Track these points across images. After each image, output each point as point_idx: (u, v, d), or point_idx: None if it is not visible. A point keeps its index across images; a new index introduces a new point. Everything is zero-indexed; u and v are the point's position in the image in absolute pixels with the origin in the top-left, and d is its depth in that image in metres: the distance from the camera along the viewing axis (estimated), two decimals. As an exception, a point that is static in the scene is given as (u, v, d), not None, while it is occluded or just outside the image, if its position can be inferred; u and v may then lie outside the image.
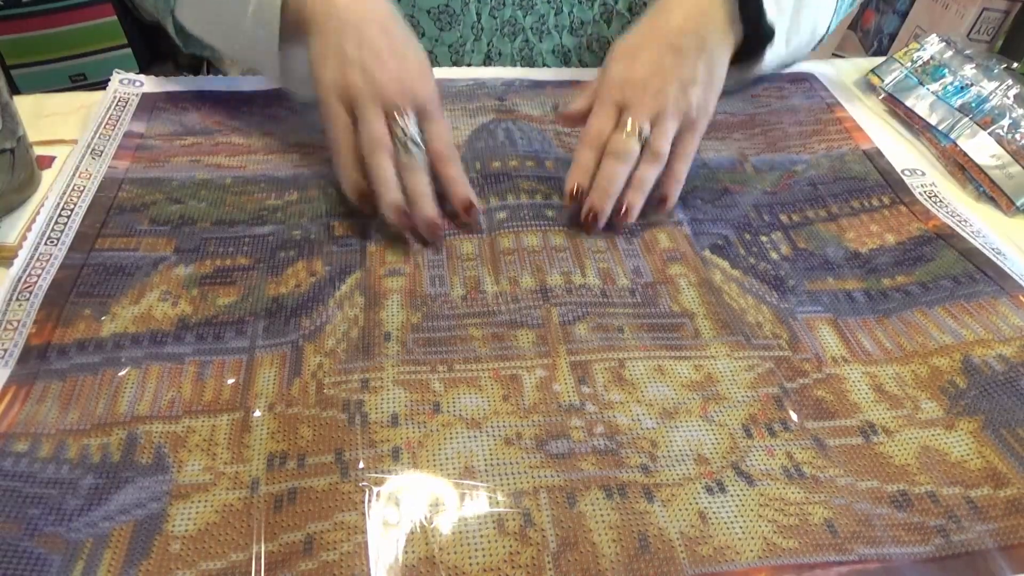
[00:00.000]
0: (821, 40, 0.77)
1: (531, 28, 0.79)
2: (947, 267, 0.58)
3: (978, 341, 0.52)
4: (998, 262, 0.59)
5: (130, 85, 0.72)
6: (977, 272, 0.58)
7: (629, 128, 0.56)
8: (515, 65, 0.80)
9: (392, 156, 0.54)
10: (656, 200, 0.58)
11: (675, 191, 0.58)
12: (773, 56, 0.68)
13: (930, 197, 0.66)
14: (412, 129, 0.54)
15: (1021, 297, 0.55)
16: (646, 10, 0.63)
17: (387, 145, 0.54)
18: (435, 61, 0.80)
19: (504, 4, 0.77)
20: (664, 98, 0.57)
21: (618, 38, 0.62)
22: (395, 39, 0.57)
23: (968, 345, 0.51)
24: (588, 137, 0.58)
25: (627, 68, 0.59)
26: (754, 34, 0.61)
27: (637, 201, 0.57)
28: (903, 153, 0.72)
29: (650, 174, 0.57)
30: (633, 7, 0.79)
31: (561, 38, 0.80)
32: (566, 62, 0.82)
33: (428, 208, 0.55)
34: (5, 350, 0.47)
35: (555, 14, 0.78)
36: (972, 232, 0.62)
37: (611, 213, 0.57)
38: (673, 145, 0.58)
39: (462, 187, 0.56)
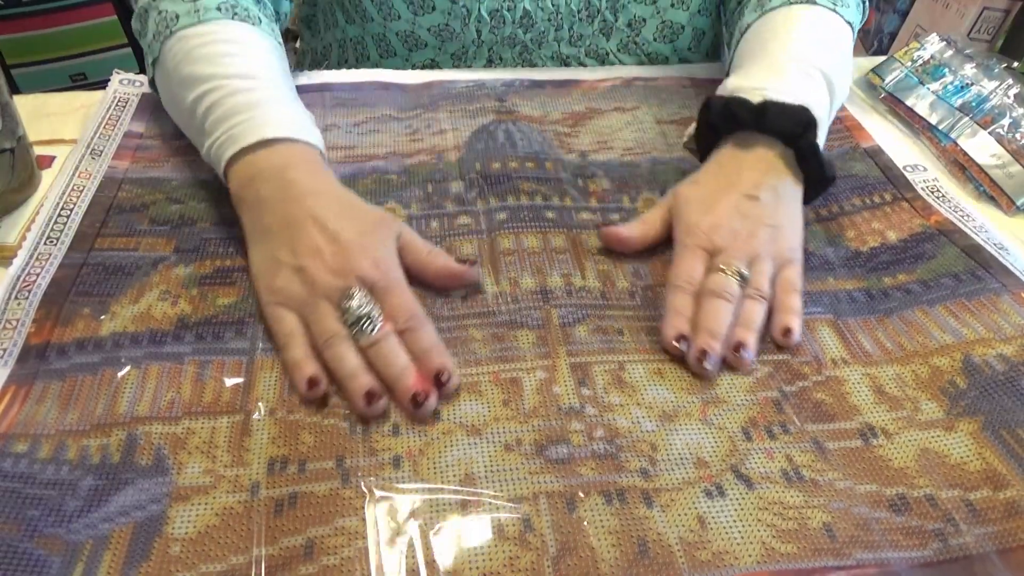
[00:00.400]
0: None
1: (531, 41, 0.79)
2: (949, 264, 0.58)
3: (979, 340, 0.52)
4: (1000, 257, 0.58)
5: (130, 85, 0.72)
6: (979, 268, 0.57)
7: (728, 268, 0.52)
8: (516, 66, 0.80)
9: (352, 342, 0.48)
10: (779, 333, 0.52)
11: (797, 323, 0.52)
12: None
13: (932, 192, 0.66)
14: (363, 308, 0.47)
15: (1023, 294, 0.55)
16: (704, 167, 0.61)
17: (342, 335, 0.47)
18: (438, 67, 0.80)
19: (504, 23, 0.77)
20: (756, 242, 0.54)
21: (681, 189, 0.59)
22: (331, 222, 0.50)
23: (969, 344, 0.51)
24: (679, 281, 0.53)
25: (710, 215, 0.56)
26: (817, 176, 0.59)
27: (748, 338, 0.50)
28: (904, 150, 0.72)
29: (757, 312, 0.52)
30: (632, 23, 0.79)
31: (560, 47, 0.80)
32: (565, 65, 0.81)
33: (404, 382, 0.46)
34: (4, 349, 0.47)
35: (555, 30, 0.78)
36: (975, 228, 0.61)
37: (724, 351, 0.50)
38: (776, 284, 0.54)
39: (435, 357, 0.47)
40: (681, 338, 0.50)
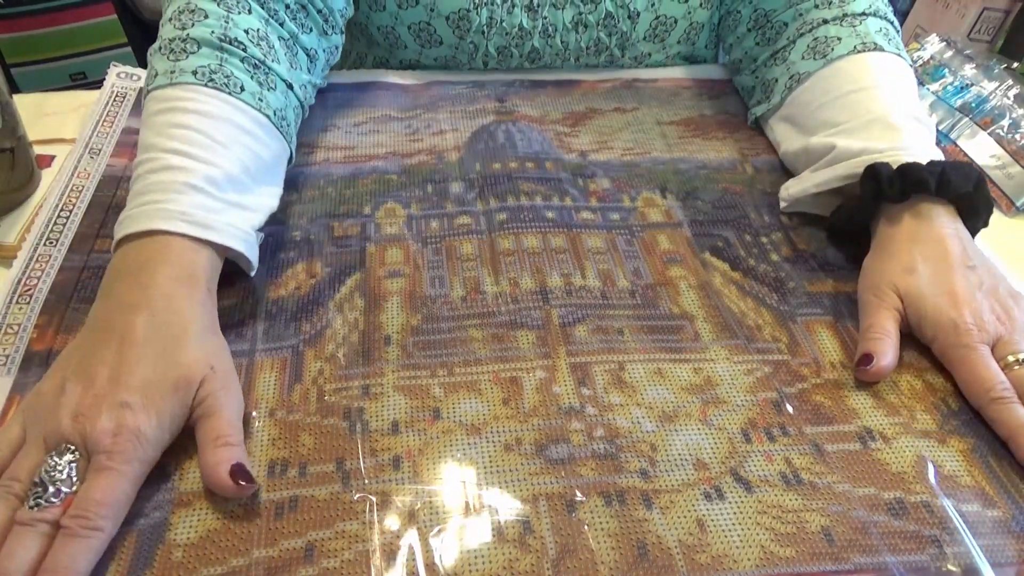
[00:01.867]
0: None
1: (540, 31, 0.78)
2: None
3: None
4: None
5: (128, 79, 0.72)
6: None
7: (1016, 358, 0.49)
8: (521, 65, 0.80)
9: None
10: None
11: None
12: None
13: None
14: (55, 473, 0.39)
15: None
16: (895, 247, 0.55)
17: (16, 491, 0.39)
18: (455, 65, 0.79)
19: (511, 57, 0.77)
20: (1015, 312, 0.51)
21: (902, 284, 0.53)
22: (127, 355, 0.42)
23: None
24: (995, 391, 0.48)
25: (962, 306, 0.51)
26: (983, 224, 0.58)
27: None
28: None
29: None
30: (639, 58, 0.80)
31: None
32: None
33: None
34: (7, 356, 0.47)
35: (562, 63, 0.79)
36: None
37: None
38: None
39: None
40: None
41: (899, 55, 0.65)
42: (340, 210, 0.60)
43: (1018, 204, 0.66)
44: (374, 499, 0.41)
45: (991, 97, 0.73)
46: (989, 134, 0.70)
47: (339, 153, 0.66)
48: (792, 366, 0.50)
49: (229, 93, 0.53)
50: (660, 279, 0.56)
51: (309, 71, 0.64)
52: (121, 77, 0.72)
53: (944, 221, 0.55)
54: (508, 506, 0.41)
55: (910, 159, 0.55)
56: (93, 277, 0.53)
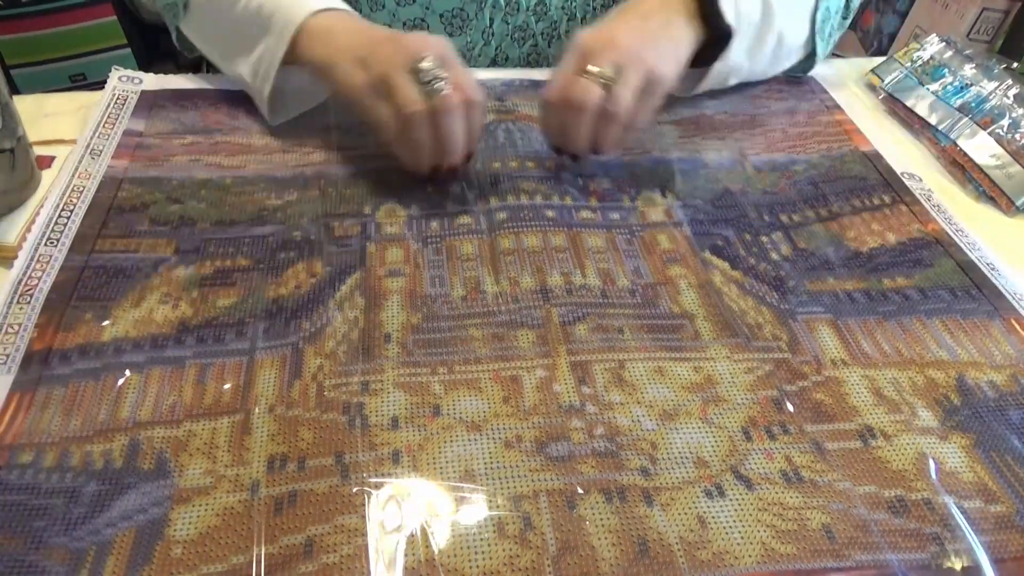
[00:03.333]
0: (804, 62, 0.79)
1: (542, 34, 0.79)
2: (945, 276, 0.58)
3: (972, 363, 0.52)
4: (992, 278, 0.59)
5: (129, 82, 0.72)
6: (973, 288, 0.58)
7: (598, 72, 0.57)
8: (527, 22, 0.80)
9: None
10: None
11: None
12: (733, 66, 0.70)
13: (927, 200, 0.66)
14: (435, 70, 0.55)
15: (1013, 321, 0.55)
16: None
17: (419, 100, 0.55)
18: (463, 22, 0.80)
19: (517, 10, 0.77)
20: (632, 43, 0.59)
21: None
22: (398, 35, 0.58)
23: (963, 365, 0.51)
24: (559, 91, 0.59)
25: (601, 31, 0.60)
26: (714, 35, 0.64)
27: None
28: (902, 156, 0.72)
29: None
30: None
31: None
32: None
33: (452, 158, 0.58)
34: (7, 355, 0.47)
35: (568, 20, 0.79)
36: (968, 244, 0.62)
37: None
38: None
39: (476, 142, 0.60)
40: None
41: None
42: (341, 210, 0.60)
43: (1018, 204, 0.66)
44: (373, 492, 0.41)
45: (991, 97, 0.73)
46: (989, 134, 0.70)
47: (339, 153, 0.66)
48: (792, 364, 0.50)
49: None
50: (660, 278, 0.56)
51: None
52: (123, 81, 0.72)
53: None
54: (509, 502, 0.41)
55: None
56: (93, 277, 0.53)
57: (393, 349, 0.49)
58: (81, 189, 0.59)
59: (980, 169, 0.69)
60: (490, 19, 0.77)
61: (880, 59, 0.83)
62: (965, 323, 0.55)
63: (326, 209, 0.60)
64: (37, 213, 0.58)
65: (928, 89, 0.77)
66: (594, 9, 0.78)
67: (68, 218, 0.57)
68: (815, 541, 0.40)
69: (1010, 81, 0.74)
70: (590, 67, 0.57)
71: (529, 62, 0.81)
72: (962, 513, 0.42)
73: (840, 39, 0.82)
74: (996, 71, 0.76)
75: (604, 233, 0.59)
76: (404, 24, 0.76)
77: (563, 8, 0.78)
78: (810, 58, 0.78)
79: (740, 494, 0.42)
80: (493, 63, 0.81)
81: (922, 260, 0.59)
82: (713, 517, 0.41)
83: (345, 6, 0.65)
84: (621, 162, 0.67)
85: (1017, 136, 0.69)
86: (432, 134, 0.56)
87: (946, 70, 0.78)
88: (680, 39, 0.63)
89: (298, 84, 0.67)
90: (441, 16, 0.77)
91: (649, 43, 0.60)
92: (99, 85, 0.72)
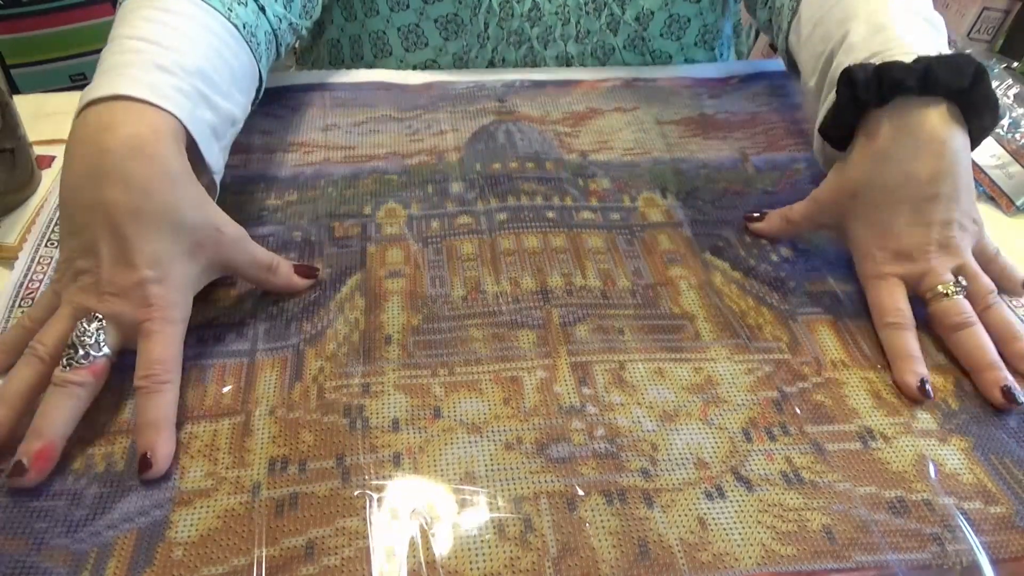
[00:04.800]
0: None
1: (537, 38, 0.79)
2: None
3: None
4: None
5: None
6: None
7: (945, 289, 0.50)
8: (521, 28, 0.80)
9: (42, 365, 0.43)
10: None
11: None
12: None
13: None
14: (87, 338, 0.43)
15: None
16: (862, 155, 0.53)
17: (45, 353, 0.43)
18: (438, 68, 0.80)
19: (512, 15, 0.77)
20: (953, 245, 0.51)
21: (833, 187, 0.55)
22: (128, 226, 0.44)
23: (960, 371, 0.51)
24: (889, 317, 0.51)
25: (885, 238, 0.52)
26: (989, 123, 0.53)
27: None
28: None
29: (1005, 312, 0.51)
30: (640, 17, 0.79)
31: (566, 46, 0.80)
32: (568, 66, 0.82)
33: (29, 445, 0.41)
34: (8, 356, 0.47)
35: (562, 24, 0.79)
36: None
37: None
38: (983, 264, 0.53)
39: (149, 434, 0.42)
40: (923, 381, 0.48)
41: None
42: (341, 210, 0.60)
43: (1018, 204, 0.66)
44: (374, 495, 0.41)
45: (991, 97, 0.73)
46: (989, 134, 0.70)
47: (339, 153, 0.66)
48: (793, 365, 0.50)
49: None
50: (660, 279, 0.56)
51: (285, 7, 0.65)
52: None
53: (934, 124, 0.50)
54: (509, 504, 0.41)
55: (897, 58, 0.51)
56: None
57: (394, 351, 0.49)
58: (81, 190, 0.59)
59: (980, 169, 0.69)
60: (484, 24, 0.77)
61: (880, 58, 0.83)
62: None
63: (326, 209, 0.60)
64: (37, 213, 0.58)
65: (928, 89, 0.77)
66: (587, 13, 0.78)
67: (68, 219, 0.57)
68: (816, 542, 0.40)
69: (1010, 81, 0.74)
70: (939, 287, 0.50)
71: (527, 63, 0.81)
72: (962, 514, 0.42)
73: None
74: (996, 71, 0.76)
75: (604, 234, 0.59)
76: (399, 30, 0.76)
77: (557, 14, 0.78)
78: None
79: (740, 495, 0.42)
80: (491, 65, 0.81)
81: None
82: (713, 519, 0.41)
83: (161, 100, 0.47)
84: (621, 162, 0.67)
85: (1017, 136, 0.69)
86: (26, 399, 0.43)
87: (946, 70, 0.78)
88: (967, 169, 0.52)
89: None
90: (436, 21, 0.77)
91: (958, 222, 0.51)
92: (99, 85, 0.72)
